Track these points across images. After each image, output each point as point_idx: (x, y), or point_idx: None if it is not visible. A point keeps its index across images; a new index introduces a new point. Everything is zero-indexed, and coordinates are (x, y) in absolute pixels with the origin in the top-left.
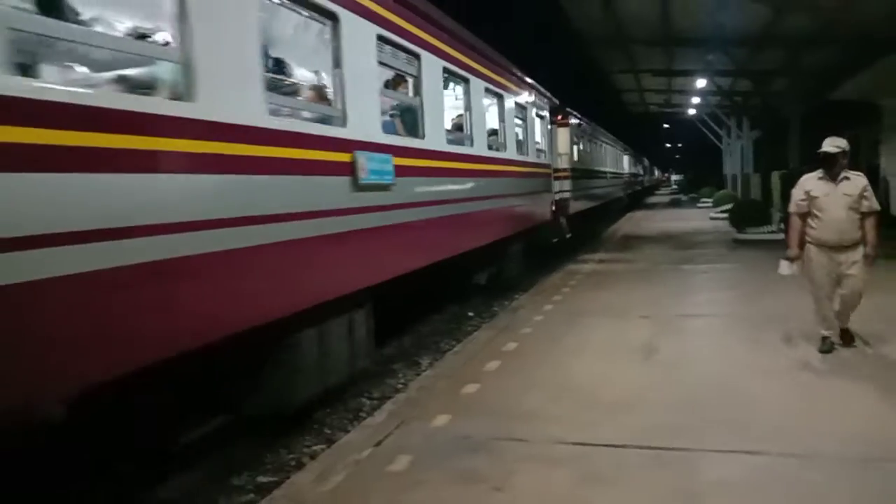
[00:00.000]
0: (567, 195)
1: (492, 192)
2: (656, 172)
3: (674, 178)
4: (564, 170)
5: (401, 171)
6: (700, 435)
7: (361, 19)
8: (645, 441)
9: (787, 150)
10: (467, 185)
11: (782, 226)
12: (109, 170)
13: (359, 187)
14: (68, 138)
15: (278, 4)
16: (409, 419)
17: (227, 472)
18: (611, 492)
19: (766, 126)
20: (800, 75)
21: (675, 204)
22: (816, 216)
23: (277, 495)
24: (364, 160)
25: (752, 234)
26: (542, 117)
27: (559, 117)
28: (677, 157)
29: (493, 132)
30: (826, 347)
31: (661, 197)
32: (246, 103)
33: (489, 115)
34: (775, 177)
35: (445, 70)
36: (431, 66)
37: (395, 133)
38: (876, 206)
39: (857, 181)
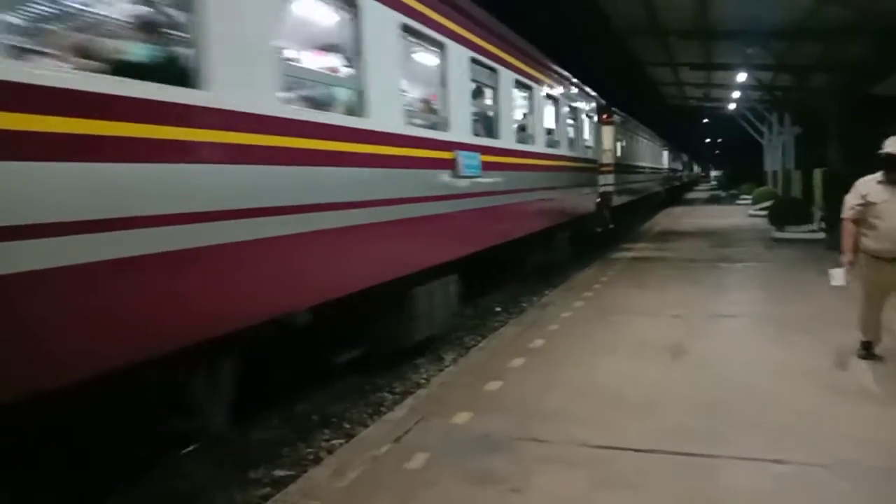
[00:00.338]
0: (610, 189)
1: (549, 184)
2: (695, 168)
3: (713, 173)
4: (608, 165)
5: (484, 165)
6: (726, 440)
7: (461, 46)
8: (669, 445)
9: (828, 146)
10: (530, 177)
11: (823, 225)
12: (336, 163)
13: (457, 178)
14: (318, 145)
15: (411, 42)
16: (430, 415)
17: (244, 465)
18: (631, 498)
19: (807, 122)
20: (839, 69)
21: (713, 200)
22: (872, 224)
23: (293, 490)
24: (461, 157)
25: (792, 233)
26: (590, 117)
27: (604, 116)
28: (717, 152)
29: (550, 131)
30: (866, 354)
31: (699, 193)
32: (396, 117)
33: (547, 117)
34: (817, 174)
35: (516, 81)
36: (506, 78)
37: (480, 135)
38: None
39: None
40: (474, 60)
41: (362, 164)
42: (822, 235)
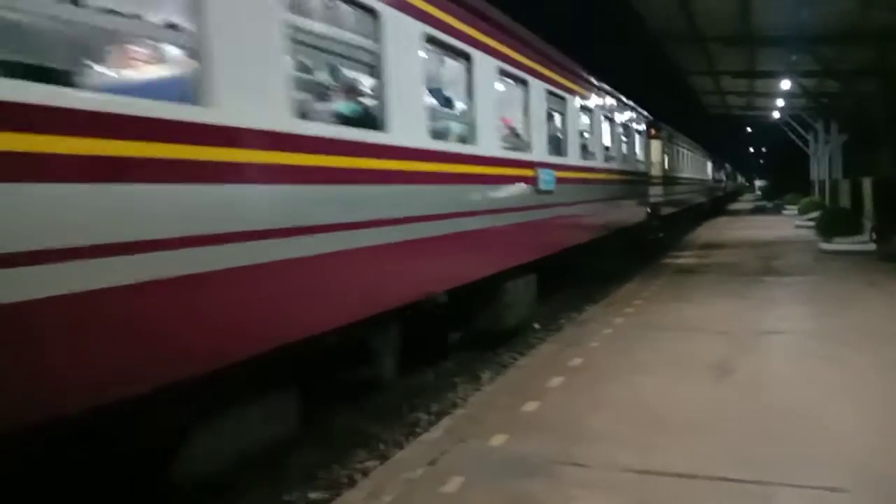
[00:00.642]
0: (659, 200)
1: (607, 196)
2: (739, 178)
3: (757, 183)
4: (657, 177)
5: (557, 180)
6: (777, 466)
7: (540, 81)
8: (716, 471)
9: (878, 154)
10: (592, 190)
11: (874, 236)
12: (462, 182)
13: (537, 192)
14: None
15: (505, 80)
16: (466, 437)
17: (279, 487)
18: None
19: (855, 129)
20: (889, 75)
21: (758, 211)
22: None
23: None
24: (541, 174)
25: (840, 245)
26: (640, 133)
27: (652, 131)
28: (761, 161)
29: (607, 148)
30: None
31: (743, 204)
32: (495, 143)
33: (605, 135)
34: (867, 183)
35: (581, 106)
36: (572, 104)
37: (553, 154)
38: None
39: None
40: (549, 92)
41: (476, 181)
42: (872, 247)
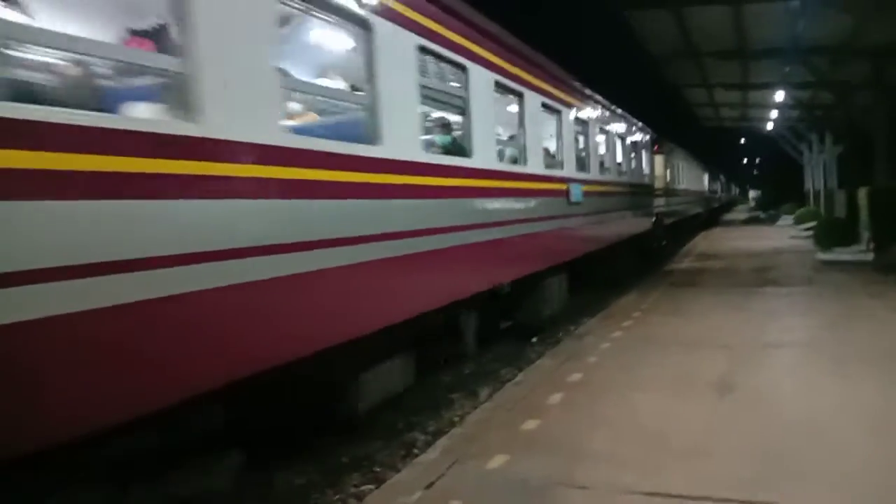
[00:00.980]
0: (662, 210)
1: (622, 206)
2: (733, 189)
3: (751, 194)
4: (660, 189)
5: (584, 193)
6: (784, 488)
7: (568, 109)
8: (722, 492)
9: (873, 165)
10: (610, 201)
11: (871, 245)
12: (517, 195)
13: (569, 204)
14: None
15: (546, 113)
16: (464, 458)
17: None
18: None
19: (850, 140)
20: (886, 88)
21: (753, 221)
22: None
23: None
24: (572, 188)
25: (838, 255)
26: (646, 149)
27: (656, 147)
28: (755, 172)
29: (620, 164)
30: None
31: (738, 214)
32: (538, 162)
33: (619, 153)
34: (863, 193)
35: (600, 129)
36: (594, 127)
37: (579, 170)
38: None
39: None
40: (576, 118)
41: (524, 195)
42: (870, 257)
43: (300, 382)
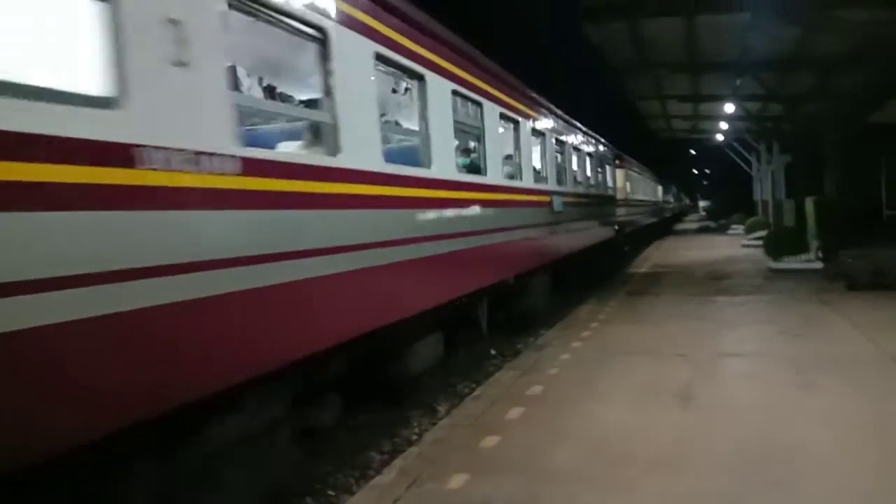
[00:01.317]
0: (624, 219)
1: (594, 216)
2: (684, 199)
3: (701, 204)
4: (622, 200)
5: (564, 204)
6: (751, 501)
7: (551, 133)
8: None
9: (821, 175)
10: (584, 210)
11: (820, 254)
12: (512, 205)
13: (552, 213)
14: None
15: (533, 135)
16: (422, 479)
17: None
18: None
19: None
20: (833, 98)
21: (704, 231)
22: None
23: None
24: (554, 199)
25: (789, 264)
26: (610, 164)
27: (617, 161)
28: (705, 183)
29: (589, 178)
30: None
31: (689, 224)
32: (529, 177)
33: (589, 168)
34: (809, 203)
35: (573, 147)
36: (569, 146)
37: (559, 184)
38: None
39: None
40: (556, 139)
41: (520, 205)
42: (819, 265)
43: (378, 348)
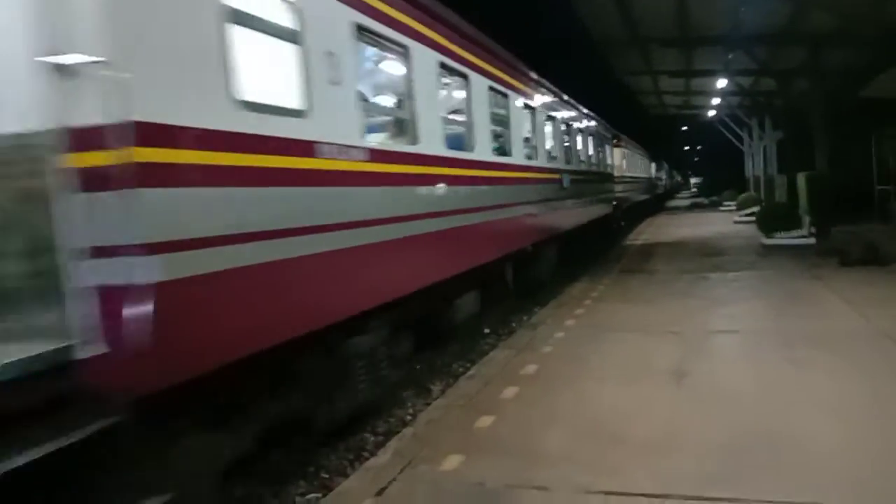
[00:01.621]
0: (620, 195)
1: (597, 192)
2: (676, 176)
3: (693, 180)
4: (619, 177)
5: (571, 181)
6: (750, 480)
7: (561, 115)
8: (686, 489)
9: (813, 151)
10: (587, 186)
11: (813, 230)
12: (524, 182)
13: (562, 189)
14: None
15: (546, 119)
16: (417, 461)
17: None
18: None
19: (790, 126)
20: (824, 73)
21: (695, 207)
22: None
23: None
24: (563, 177)
25: (781, 240)
26: (608, 143)
27: (615, 141)
28: (696, 159)
29: (591, 156)
30: None
31: (681, 201)
32: (543, 158)
33: (591, 148)
34: (801, 179)
35: (579, 129)
36: (577, 128)
37: (566, 163)
38: None
39: None
40: (564, 122)
41: (537, 182)
42: (811, 241)
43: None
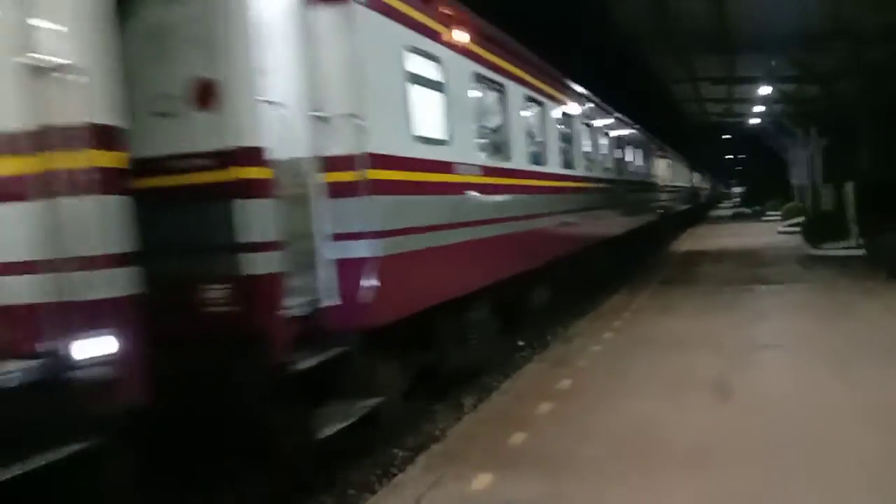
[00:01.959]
0: (663, 203)
1: (644, 200)
2: (717, 185)
3: (735, 190)
4: (661, 187)
5: (623, 190)
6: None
7: (618, 133)
8: None
9: (860, 158)
10: (637, 196)
11: (861, 241)
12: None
13: (616, 197)
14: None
15: (606, 139)
16: (445, 477)
17: None
18: None
19: (835, 133)
20: (869, 74)
21: (738, 217)
22: None
23: None
24: (617, 186)
25: (828, 250)
26: (654, 153)
27: (659, 151)
28: (739, 168)
29: (638, 166)
30: None
31: (723, 210)
32: (600, 169)
33: (638, 158)
34: (848, 187)
35: (629, 143)
36: (627, 143)
37: (619, 174)
38: None
39: None
40: (618, 138)
41: (598, 191)
42: (860, 252)
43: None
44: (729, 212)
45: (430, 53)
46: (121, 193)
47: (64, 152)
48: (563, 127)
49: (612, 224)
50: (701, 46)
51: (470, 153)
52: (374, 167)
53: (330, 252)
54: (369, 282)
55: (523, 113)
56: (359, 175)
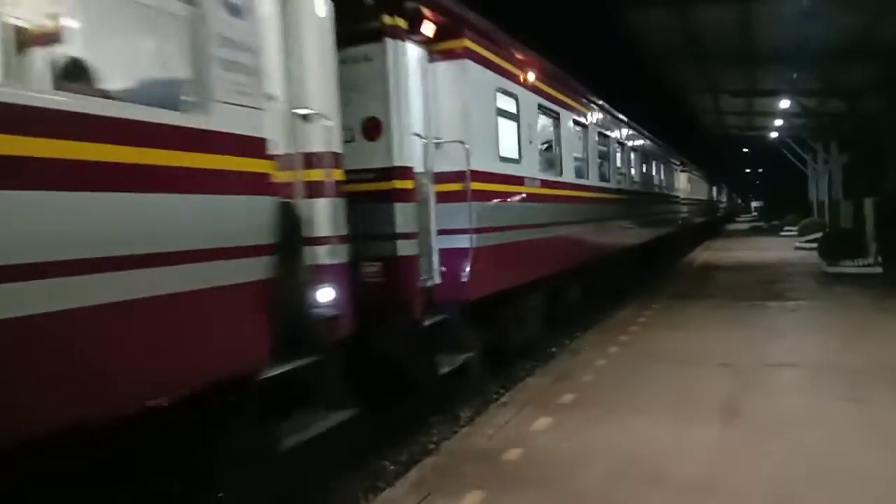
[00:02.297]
0: (683, 215)
1: (667, 211)
2: (736, 198)
3: (753, 204)
4: (681, 199)
5: (649, 201)
6: None
7: (645, 149)
8: None
9: (881, 174)
10: (662, 207)
11: (880, 259)
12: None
13: (642, 208)
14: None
15: (638, 156)
16: (435, 494)
17: None
18: None
19: (857, 148)
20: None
21: (755, 232)
22: None
23: None
24: (644, 198)
25: (846, 268)
26: (676, 167)
27: (680, 165)
28: (757, 182)
29: (661, 179)
30: None
31: (740, 224)
32: (628, 182)
33: (661, 172)
34: (868, 204)
35: (654, 158)
36: (654, 158)
37: (644, 186)
38: None
39: None
40: (643, 153)
41: (625, 203)
42: (878, 270)
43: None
44: (746, 226)
45: (511, 92)
46: (342, 197)
47: (317, 170)
48: (600, 144)
49: (637, 234)
50: (723, 57)
51: (533, 169)
52: (475, 180)
53: (437, 243)
54: (465, 266)
55: (571, 133)
56: (464, 186)
